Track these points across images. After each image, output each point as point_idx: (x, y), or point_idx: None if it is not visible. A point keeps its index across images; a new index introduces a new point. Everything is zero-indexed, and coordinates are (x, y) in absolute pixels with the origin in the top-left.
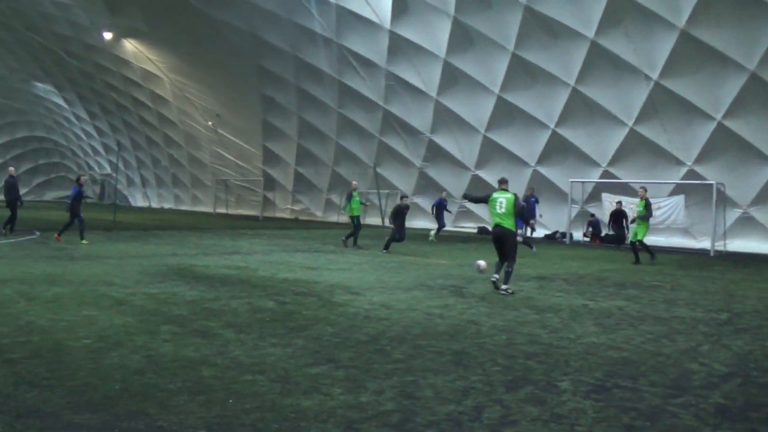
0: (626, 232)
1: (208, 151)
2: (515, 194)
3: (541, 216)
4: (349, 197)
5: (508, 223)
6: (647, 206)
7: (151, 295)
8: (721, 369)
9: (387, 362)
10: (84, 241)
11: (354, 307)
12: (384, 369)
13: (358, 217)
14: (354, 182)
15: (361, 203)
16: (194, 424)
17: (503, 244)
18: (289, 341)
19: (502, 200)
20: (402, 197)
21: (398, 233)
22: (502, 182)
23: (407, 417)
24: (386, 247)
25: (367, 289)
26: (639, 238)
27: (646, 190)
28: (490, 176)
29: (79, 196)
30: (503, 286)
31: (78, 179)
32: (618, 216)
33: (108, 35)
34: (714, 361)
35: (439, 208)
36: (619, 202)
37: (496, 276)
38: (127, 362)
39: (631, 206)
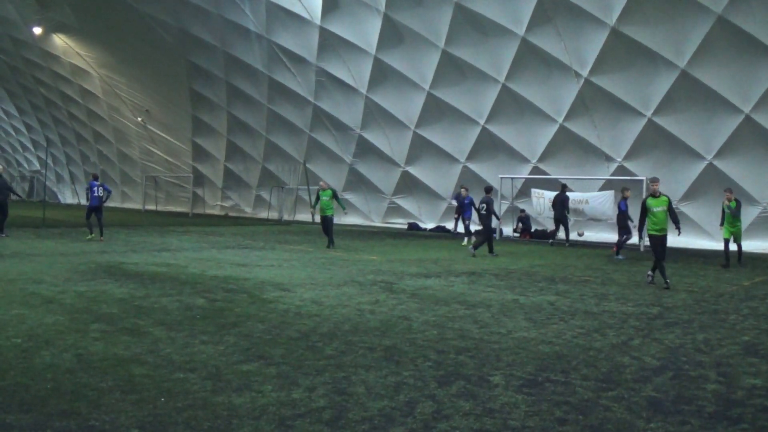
0: (567, 215)
1: (137, 148)
2: (668, 197)
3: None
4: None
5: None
6: (738, 206)
7: (80, 294)
8: (653, 362)
9: (318, 359)
10: (90, 236)
11: (285, 304)
12: (316, 365)
13: (324, 217)
14: (321, 181)
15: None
16: (126, 423)
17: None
18: (220, 338)
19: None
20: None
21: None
22: (654, 181)
23: (340, 413)
24: (491, 251)
25: (298, 285)
26: (738, 241)
27: (732, 191)
28: (419, 172)
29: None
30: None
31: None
32: (561, 201)
33: (37, 30)
34: (645, 355)
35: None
36: (564, 185)
37: (651, 273)
38: (58, 361)
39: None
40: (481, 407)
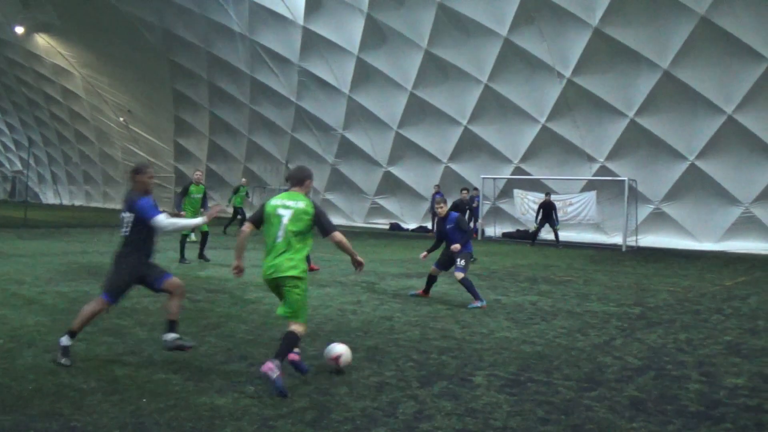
0: (555, 221)
1: (119, 148)
2: None
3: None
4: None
5: None
6: None
7: (62, 294)
8: (635, 362)
9: (301, 359)
10: None
11: (267, 305)
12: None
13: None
14: (243, 179)
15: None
16: (108, 424)
17: None
18: (202, 339)
19: None
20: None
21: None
22: None
23: (322, 414)
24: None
25: None
26: None
27: None
28: (402, 173)
29: None
30: None
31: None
32: (547, 208)
33: (20, 29)
34: (627, 355)
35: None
36: (548, 194)
37: None
38: (40, 362)
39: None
40: (463, 407)
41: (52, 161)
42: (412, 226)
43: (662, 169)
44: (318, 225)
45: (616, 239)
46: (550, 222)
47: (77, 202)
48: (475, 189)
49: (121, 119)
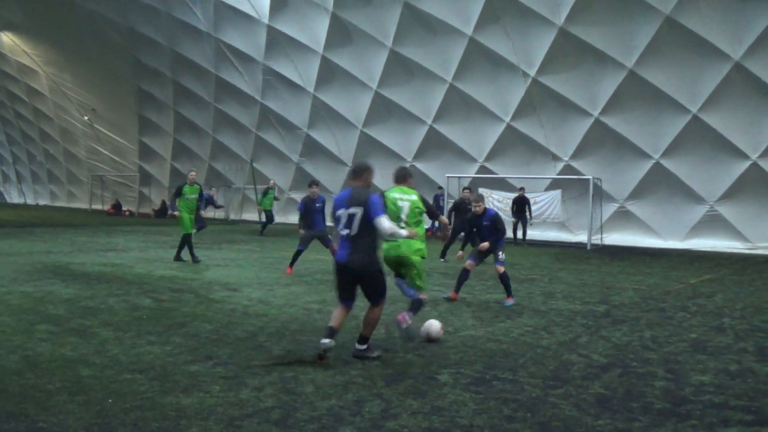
0: (528, 218)
1: (83, 147)
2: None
3: None
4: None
5: None
6: None
7: (27, 294)
8: (601, 360)
9: (266, 358)
10: None
11: (232, 304)
12: (263, 365)
13: (269, 211)
14: (271, 180)
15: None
16: (74, 425)
17: None
18: (168, 339)
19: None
20: (464, 189)
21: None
22: None
23: (288, 413)
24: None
25: (245, 285)
26: None
27: None
28: None
29: None
30: None
31: None
32: (521, 203)
33: None
34: (593, 353)
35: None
36: (522, 189)
37: None
38: (5, 363)
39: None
40: (429, 405)
41: (17, 160)
42: None
43: (627, 168)
44: (428, 212)
45: (581, 237)
46: (522, 219)
47: (42, 202)
48: (440, 188)
49: (86, 118)
